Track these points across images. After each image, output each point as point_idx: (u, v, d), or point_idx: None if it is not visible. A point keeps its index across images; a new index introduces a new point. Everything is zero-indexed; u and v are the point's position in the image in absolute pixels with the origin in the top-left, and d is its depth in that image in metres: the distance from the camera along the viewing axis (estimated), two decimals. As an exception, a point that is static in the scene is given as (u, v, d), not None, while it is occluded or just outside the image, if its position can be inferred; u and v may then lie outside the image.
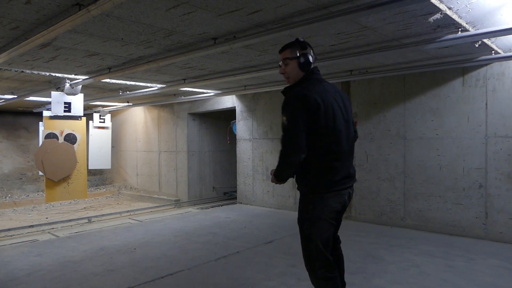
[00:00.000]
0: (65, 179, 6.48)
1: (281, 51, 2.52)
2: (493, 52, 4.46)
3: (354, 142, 2.55)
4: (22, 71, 5.17)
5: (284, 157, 2.31)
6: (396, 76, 5.79)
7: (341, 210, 2.45)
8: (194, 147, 9.93)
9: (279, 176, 2.41)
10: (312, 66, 2.48)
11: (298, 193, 8.20)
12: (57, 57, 4.46)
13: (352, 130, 2.51)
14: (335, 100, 2.37)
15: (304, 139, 2.24)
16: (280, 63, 2.54)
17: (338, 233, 2.69)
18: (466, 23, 3.44)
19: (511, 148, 4.81)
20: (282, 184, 2.62)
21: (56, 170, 6.33)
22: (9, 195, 10.90)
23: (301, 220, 2.43)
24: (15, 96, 7.50)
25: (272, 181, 2.49)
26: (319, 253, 2.34)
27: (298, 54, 2.43)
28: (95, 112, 9.82)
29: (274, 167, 2.47)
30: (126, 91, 7.37)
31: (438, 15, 3.16)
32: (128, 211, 8.49)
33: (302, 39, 2.48)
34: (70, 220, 7.57)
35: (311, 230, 2.35)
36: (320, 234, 2.34)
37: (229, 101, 8.68)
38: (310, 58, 2.44)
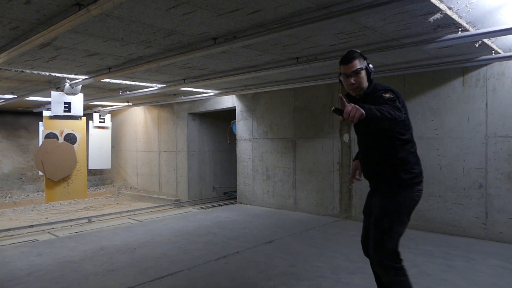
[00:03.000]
0: (65, 179, 6.48)
1: (347, 63, 2.51)
2: (493, 52, 4.46)
3: None
4: (22, 71, 5.17)
5: (390, 116, 2.15)
6: (396, 76, 5.78)
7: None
8: (194, 147, 9.93)
9: (372, 118, 2.13)
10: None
11: (298, 192, 8.08)
12: (57, 57, 4.46)
13: None
14: None
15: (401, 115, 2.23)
16: (340, 75, 2.57)
17: None
18: (466, 23, 3.44)
19: (511, 148, 4.81)
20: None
21: (56, 170, 6.33)
22: (9, 195, 10.90)
23: (384, 213, 2.45)
24: (15, 96, 7.50)
25: (352, 114, 2.06)
26: (392, 246, 2.41)
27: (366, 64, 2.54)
28: (95, 112, 9.82)
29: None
30: (126, 91, 7.37)
31: (438, 15, 3.16)
32: (128, 211, 8.49)
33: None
34: (70, 220, 7.57)
35: (394, 223, 2.41)
36: (399, 228, 2.42)
37: (229, 101, 8.68)
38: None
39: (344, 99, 2.12)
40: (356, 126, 2.63)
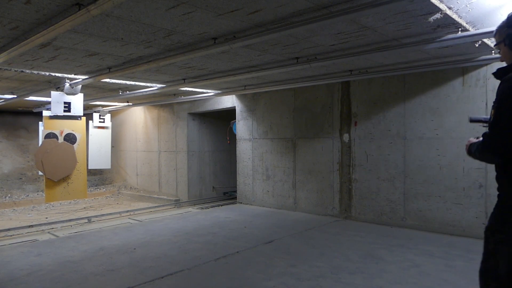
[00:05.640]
0: (65, 179, 6.49)
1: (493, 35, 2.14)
2: (493, 52, 4.46)
3: None
4: (22, 71, 5.17)
5: (481, 150, 1.94)
6: (396, 76, 5.79)
7: None
8: (194, 147, 9.93)
9: (473, 153, 2.05)
10: None
11: (297, 192, 8.07)
12: (57, 57, 4.46)
13: None
14: None
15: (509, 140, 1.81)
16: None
17: None
18: (466, 23, 3.44)
19: (511, 148, 4.80)
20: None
21: (56, 170, 6.34)
22: (9, 195, 10.90)
23: (490, 229, 1.95)
24: (15, 96, 7.50)
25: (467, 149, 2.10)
26: (498, 275, 1.89)
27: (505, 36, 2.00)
28: (95, 112, 9.82)
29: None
30: (126, 91, 7.37)
31: (438, 15, 3.16)
32: (128, 211, 8.49)
33: None
34: (70, 220, 7.56)
35: (499, 247, 1.88)
36: (510, 257, 1.86)
37: (229, 101, 8.68)
38: None
39: None
40: None
